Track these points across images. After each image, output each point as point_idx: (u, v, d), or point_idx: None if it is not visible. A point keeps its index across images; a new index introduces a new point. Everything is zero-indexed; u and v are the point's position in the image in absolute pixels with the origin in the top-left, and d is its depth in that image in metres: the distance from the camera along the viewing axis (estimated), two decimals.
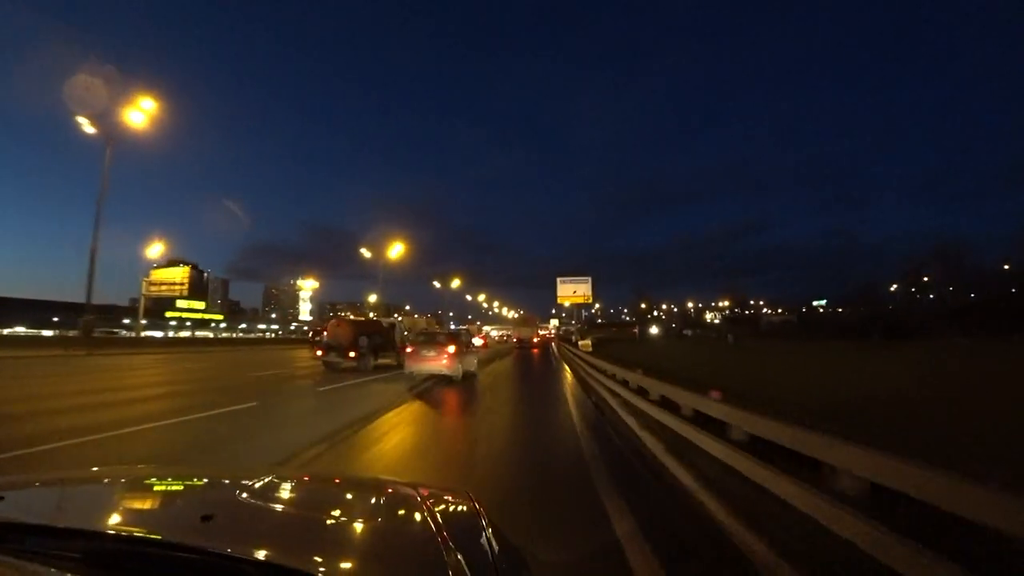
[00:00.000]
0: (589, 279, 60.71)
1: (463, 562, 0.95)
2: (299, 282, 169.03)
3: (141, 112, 23.77)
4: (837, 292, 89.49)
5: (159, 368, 17.12)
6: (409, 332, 22.00)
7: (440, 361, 13.98)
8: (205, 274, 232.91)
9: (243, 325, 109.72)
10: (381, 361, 17.78)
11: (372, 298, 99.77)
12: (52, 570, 0.87)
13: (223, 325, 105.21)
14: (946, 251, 57.80)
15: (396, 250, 58.63)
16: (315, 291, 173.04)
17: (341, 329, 17.46)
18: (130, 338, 46.75)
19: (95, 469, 2.02)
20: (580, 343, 29.52)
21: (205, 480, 1.74)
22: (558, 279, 60.86)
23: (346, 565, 0.98)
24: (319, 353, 17.50)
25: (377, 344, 17.90)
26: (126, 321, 76.37)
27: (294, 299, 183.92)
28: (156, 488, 1.58)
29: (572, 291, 60.16)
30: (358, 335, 17.02)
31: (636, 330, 65.20)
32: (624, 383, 9.24)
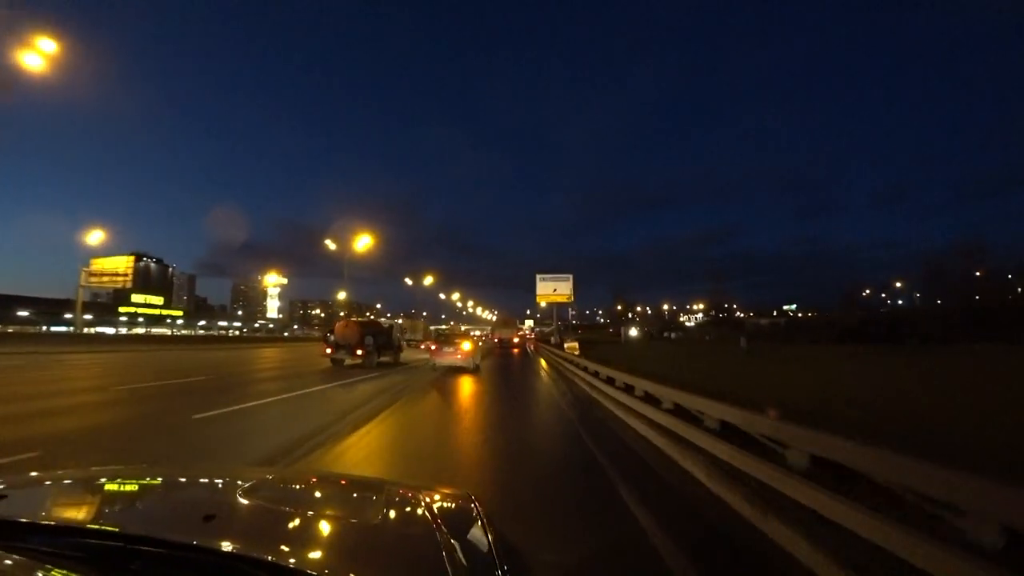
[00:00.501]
0: (571, 276, 55.60)
1: (463, 563, 0.95)
2: (266, 278, 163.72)
3: (39, 55, 19.42)
4: (806, 297, 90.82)
5: (17, 376, 12.91)
6: (407, 332, 22.41)
7: (457, 356, 17.26)
8: (170, 269, 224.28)
9: (203, 322, 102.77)
10: (382, 359, 19.07)
11: (341, 295, 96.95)
12: (55, 569, 0.86)
13: (180, 322, 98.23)
14: (969, 250, 55.25)
15: (363, 242, 54.66)
16: (284, 288, 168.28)
17: (349, 329, 18.31)
18: (40, 334, 41.74)
19: (98, 468, 1.88)
20: (566, 345, 25.54)
21: (207, 480, 1.71)
22: (537, 276, 55.85)
23: (348, 565, 0.97)
24: (328, 351, 17.97)
25: (380, 343, 19.02)
26: (68, 316, 70.18)
27: (263, 296, 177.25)
28: (159, 487, 1.54)
29: (552, 289, 55.76)
30: (364, 335, 18.01)
31: (621, 331, 61.23)
32: (683, 412, 5.61)
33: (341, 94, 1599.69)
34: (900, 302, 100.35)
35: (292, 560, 0.88)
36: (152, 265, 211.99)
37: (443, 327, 56.94)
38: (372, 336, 18.48)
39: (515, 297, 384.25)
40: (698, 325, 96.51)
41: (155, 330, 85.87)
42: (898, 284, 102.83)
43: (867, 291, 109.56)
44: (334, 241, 55.03)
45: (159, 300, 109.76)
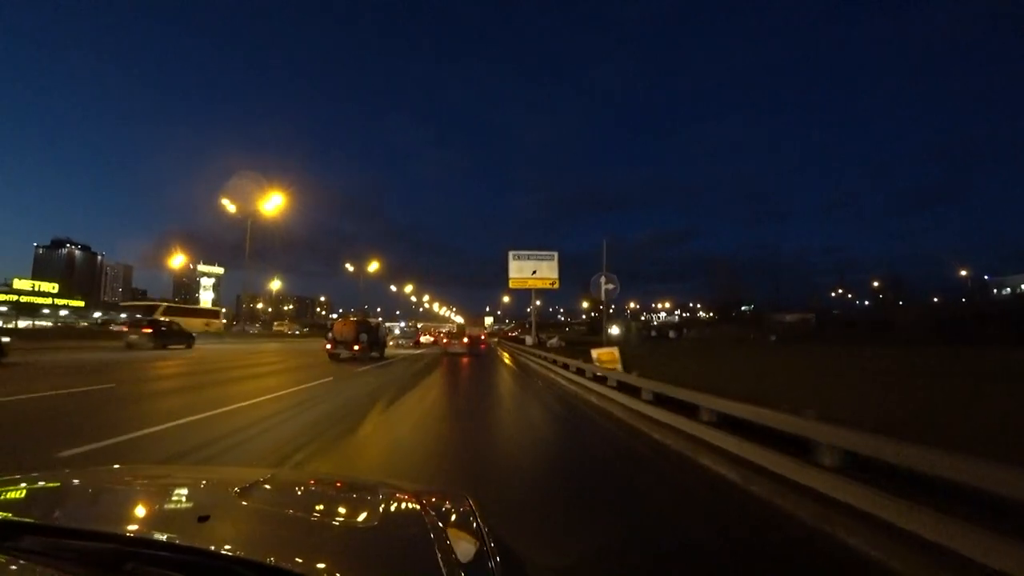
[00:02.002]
0: (555, 255, 38.19)
1: (459, 565, 0.95)
2: (199, 267, 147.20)
3: None
4: (759, 299, 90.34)
5: None
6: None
7: (458, 346, 29.60)
8: (99, 257, 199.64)
9: (98, 313, 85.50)
10: (372, 353, 21.23)
11: (276, 285, 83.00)
12: (48, 570, 0.85)
13: (65, 312, 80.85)
14: None
15: (274, 203, 39.95)
16: (219, 279, 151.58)
17: (347, 328, 20.92)
18: None
19: (92, 468, 1.93)
20: (594, 352, 11.19)
21: (202, 480, 1.70)
22: (511, 254, 37.75)
23: (342, 566, 0.96)
24: (329, 347, 20.12)
25: (371, 340, 21.22)
26: None
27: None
28: (153, 488, 1.51)
29: (531, 271, 39.43)
30: (360, 332, 20.59)
31: (637, 332, 47.60)
32: None
33: (298, 88, 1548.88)
34: (867, 303, 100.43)
35: (286, 562, 0.87)
36: (76, 252, 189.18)
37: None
38: (366, 333, 20.82)
39: (474, 296, 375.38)
40: (707, 323, 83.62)
41: (40, 323, 67.59)
42: (875, 283, 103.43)
43: (837, 291, 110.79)
44: (232, 202, 40.53)
45: (52, 287, 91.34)
